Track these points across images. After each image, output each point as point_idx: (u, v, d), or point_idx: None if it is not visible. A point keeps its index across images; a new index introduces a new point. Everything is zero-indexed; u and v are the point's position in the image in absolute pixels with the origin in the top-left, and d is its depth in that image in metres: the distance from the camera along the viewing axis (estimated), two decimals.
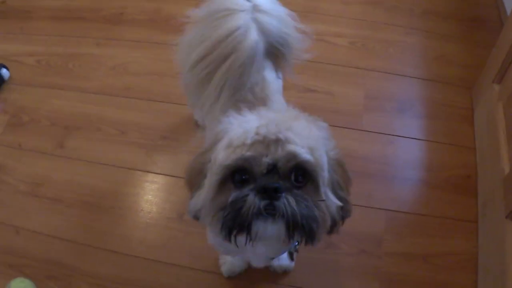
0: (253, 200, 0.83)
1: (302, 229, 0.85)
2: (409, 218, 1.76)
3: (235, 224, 0.85)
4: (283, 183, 0.84)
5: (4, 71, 2.17)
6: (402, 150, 1.95)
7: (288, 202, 0.83)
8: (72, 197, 1.82)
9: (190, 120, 2.02)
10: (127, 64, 2.25)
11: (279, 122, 0.89)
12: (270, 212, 0.83)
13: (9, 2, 2.60)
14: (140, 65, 2.24)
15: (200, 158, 0.99)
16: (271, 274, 1.61)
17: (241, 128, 0.90)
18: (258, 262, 1.33)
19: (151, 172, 1.90)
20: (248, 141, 0.85)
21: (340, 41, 2.32)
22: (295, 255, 1.54)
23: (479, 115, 1.97)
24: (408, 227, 1.74)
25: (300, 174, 0.87)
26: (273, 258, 1.33)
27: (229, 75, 1.25)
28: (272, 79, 1.37)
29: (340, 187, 0.97)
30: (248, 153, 0.84)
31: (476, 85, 2.05)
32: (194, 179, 1.00)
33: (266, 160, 0.84)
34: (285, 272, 1.61)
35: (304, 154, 0.84)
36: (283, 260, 1.58)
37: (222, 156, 0.88)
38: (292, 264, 1.61)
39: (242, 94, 1.28)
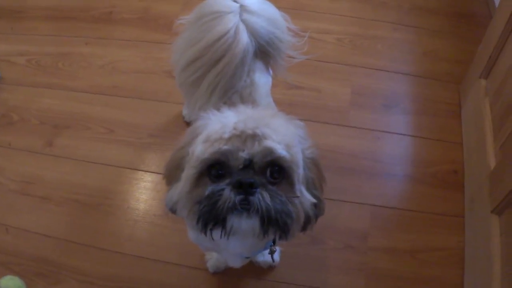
0: (228, 195, 0.84)
1: (276, 224, 0.86)
2: (396, 214, 1.77)
3: (211, 217, 0.86)
4: (258, 178, 0.85)
5: None
6: (389, 146, 1.96)
7: (262, 197, 0.84)
8: (62, 195, 1.83)
9: (178, 118, 2.02)
10: (116, 62, 2.26)
11: (257, 118, 0.90)
12: (245, 207, 0.84)
13: None
14: (129, 64, 2.25)
15: (179, 153, 0.99)
16: (256, 269, 1.62)
17: (219, 123, 0.91)
18: (234, 262, 1.33)
19: (139, 170, 1.91)
20: (226, 135, 0.86)
21: (328, 37, 2.32)
22: (275, 256, 1.53)
23: (466, 111, 1.98)
24: (395, 222, 1.75)
25: (276, 170, 0.88)
26: (248, 258, 1.33)
27: (220, 77, 1.27)
28: (262, 83, 1.37)
29: (315, 186, 0.98)
30: (225, 147, 0.85)
31: (464, 81, 2.05)
32: (172, 173, 1.01)
33: (243, 155, 0.85)
34: (270, 267, 1.63)
35: (280, 150, 0.85)
36: (268, 256, 1.56)
37: (199, 150, 0.89)
38: (277, 259, 1.62)
39: (231, 97, 1.30)
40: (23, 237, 1.73)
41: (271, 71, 1.49)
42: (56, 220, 1.77)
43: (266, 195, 0.84)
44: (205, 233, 0.89)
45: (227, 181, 0.86)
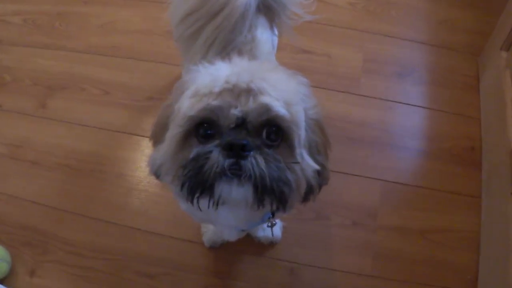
0: (216, 158, 0.75)
1: (272, 193, 0.77)
2: (407, 190, 1.69)
3: (196, 184, 0.77)
4: (252, 140, 0.76)
5: None
6: (401, 117, 1.87)
7: (256, 162, 0.75)
8: (52, 160, 1.76)
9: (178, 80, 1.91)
10: (115, 22, 2.15)
11: (253, 71, 0.80)
12: (236, 172, 0.75)
13: None
14: (129, 24, 2.14)
15: (165, 111, 0.90)
16: (256, 245, 1.55)
17: (209, 76, 0.81)
18: (229, 235, 1.24)
19: (135, 135, 1.81)
20: (216, 89, 0.77)
21: (340, 1, 2.20)
22: (276, 231, 1.49)
23: (485, 84, 1.89)
24: (406, 200, 1.67)
25: (273, 131, 0.79)
26: (244, 231, 1.24)
27: (219, 31, 1.17)
28: (264, 39, 1.27)
29: (318, 151, 0.88)
30: (215, 102, 0.76)
31: (483, 52, 1.95)
32: (158, 134, 0.91)
33: (235, 112, 0.76)
34: (271, 243, 1.55)
35: (279, 107, 0.77)
36: (269, 230, 1.48)
37: (186, 106, 0.80)
38: (279, 235, 1.54)
39: (230, 53, 1.17)
40: (11, 204, 1.67)
41: (276, 30, 1.38)
42: (46, 187, 1.70)
43: (260, 160, 0.75)
44: (192, 202, 0.81)
45: (216, 142, 0.77)
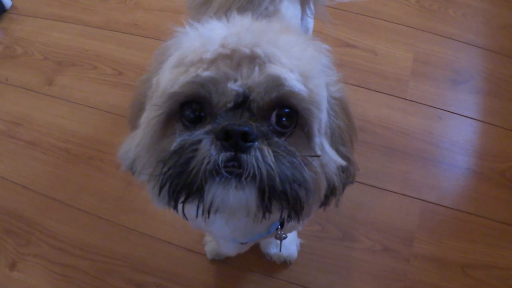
0: (207, 150, 0.58)
1: (283, 198, 0.60)
2: (450, 215, 1.51)
3: (180, 186, 0.60)
4: (256, 126, 0.59)
5: None
6: (451, 129, 1.70)
7: (262, 156, 0.58)
8: (50, 142, 1.66)
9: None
10: None
11: (258, 31, 0.61)
12: (234, 171, 0.58)
13: None
14: (154, 0, 2.05)
15: (142, 87, 0.70)
16: (267, 263, 1.38)
17: (199, 39, 0.62)
18: (227, 248, 1.06)
19: None
20: (208, 56, 0.59)
21: None
22: (291, 250, 1.32)
23: None
24: (447, 226, 1.49)
25: (286, 114, 0.63)
26: (245, 244, 1.03)
27: (233, 1, 1.01)
28: (290, 15, 1.10)
29: (342, 140, 0.71)
30: (206, 73, 0.59)
31: None
32: (134, 117, 0.71)
33: (233, 87, 0.59)
34: (285, 263, 1.37)
35: (293, 81, 0.59)
36: (284, 248, 1.31)
37: (167, 79, 0.61)
38: (295, 254, 1.35)
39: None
40: None
41: (313, 10, 1.22)
42: (39, 171, 1.59)
43: (268, 153, 0.58)
44: (174, 208, 0.63)
45: (207, 127, 0.60)
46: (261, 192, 0.58)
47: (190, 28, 0.65)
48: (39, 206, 1.51)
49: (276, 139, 0.60)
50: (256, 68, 0.58)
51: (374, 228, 1.46)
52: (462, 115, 1.71)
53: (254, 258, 1.36)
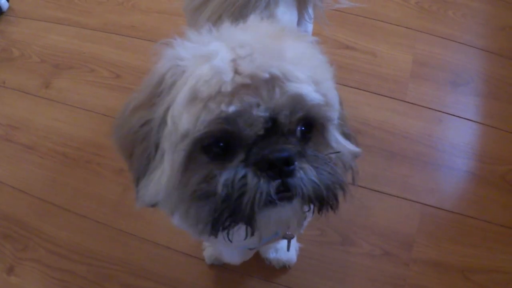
0: (257, 183, 0.57)
1: (324, 202, 0.63)
2: (450, 219, 1.49)
3: (231, 218, 0.60)
4: (292, 147, 0.59)
5: (3, 1, 2.03)
6: (451, 131, 1.69)
7: (306, 175, 0.59)
8: (48, 146, 1.64)
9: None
10: (137, 0, 2.03)
11: (263, 47, 0.59)
12: (285, 195, 0.59)
13: None
14: (152, 2, 2.02)
15: (137, 116, 0.67)
16: (266, 268, 1.37)
17: (206, 63, 0.59)
18: (231, 257, 1.02)
19: None
20: (228, 88, 0.56)
21: None
22: (291, 254, 1.32)
23: None
24: (448, 230, 1.48)
25: (305, 124, 0.63)
26: (252, 249, 1.03)
27: (227, 5, 1.01)
28: (286, 20, 1.09)
29: (344, 122, 0.72)
30: (232, 108, 0.56)
31: None
32: (133, 148, 0.69)
33: (260, 113, 0.57)
34: (284, 267, 1.36)
35: (313, 94, 0.59)
36: (283, 252, 1.31)
37: (187, 120, 0.58)
38: (294, 258, 1.35)
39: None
40: None
41: (312, 14, 1.21)
42: (37, 175, 1.58)
43: (309, 170, 0.59)
44: (216, 236, 0.63)
45: (240, 157, 0.59)
46: (305, 201, 0.61)
47: (186, 50, 0.63)
48: (36, 210, 1.50)
49: (309, 152, 0.61)
50: (277, 90, 0.57)
51: (373, 232, 1.45)
52: (462, 118, 1.70)
53: (253, 263, 1.34)
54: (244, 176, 0.57)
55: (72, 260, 1.40)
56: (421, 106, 1.72)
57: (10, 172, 1.58)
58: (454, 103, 1.74)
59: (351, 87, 1.70)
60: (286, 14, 1.08)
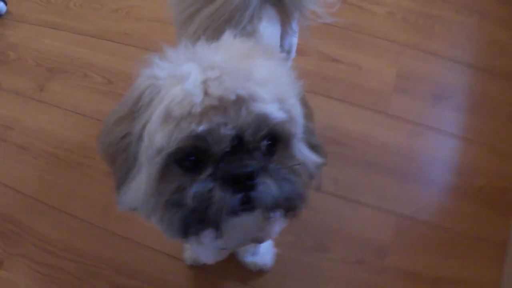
0: (222, 197, 0.63)
1: (285, 210, 0.69)
2: (425, 229, 1.51)
3: (199, 225, 0.66)
4: (255, 162, 0.64)
5: (1, 4, 2.04)
6: (431, 145, 1.70)
7: (267, 188, 0.64)
8: (41, 147, 1.67)
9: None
10: (131, 8, 2.04)
11: (232, 69, 0.64)
12: (247, 207, 0.64)
13: None
14: (146, 10, 2.03)
15: (119, 128, 0.73)
16: (243, 271, 1.40)
17: (178, 86, 0.64)
18: (206, 257, 1.10)
19: None
20: (198, 110, 0.61)
21: (378, 9, 2.03)
22: (267, 258, 1.36)
23: None
24: (421, 240, 1.50)
25: (270, 139, 0.68)
26: (224, 249, 1.08)
27: (212, 19, 1.03)
28: (267, 34, 1.12)
29: (311, 133, 0.76)
30: (201, 128, 0.61)
31: None
32: (115, 157, 0.74)
33: (227, 131, 0.62)
34: (260, 271, 1.39)
35: (276, 112, 0.64)
36: (259, 256, 1.35)
37: (161, 137, 0.64)
38: (270, 262, 1.38)
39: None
40: None
41: (296, 28, 1.25)
42: (30, 174, 1.61)
43: (271, 183, 0.64)
44: (186, 238, 0.70)
45: (208, 171, 0.64)
46: (268, 210, 0.66)
47: (161, 70, 0.69)
48: (28, 208, 1.53)
49: (272, 166, 0.65)
50: (243, 109, 0.62)
51: (349, 240, 1.46)
52: (443, 131, 1.72)
53: (232, 266, 1.37)
54: (211, 190, 0.62)
55: (61, 257, 1.44)
56: (403, 118, 1.73)
57: (4, 171, 1.61)
58: (436, 116, 1.76)
59: (335, 98, 1.72)
60: (268, 28, 1.11)
